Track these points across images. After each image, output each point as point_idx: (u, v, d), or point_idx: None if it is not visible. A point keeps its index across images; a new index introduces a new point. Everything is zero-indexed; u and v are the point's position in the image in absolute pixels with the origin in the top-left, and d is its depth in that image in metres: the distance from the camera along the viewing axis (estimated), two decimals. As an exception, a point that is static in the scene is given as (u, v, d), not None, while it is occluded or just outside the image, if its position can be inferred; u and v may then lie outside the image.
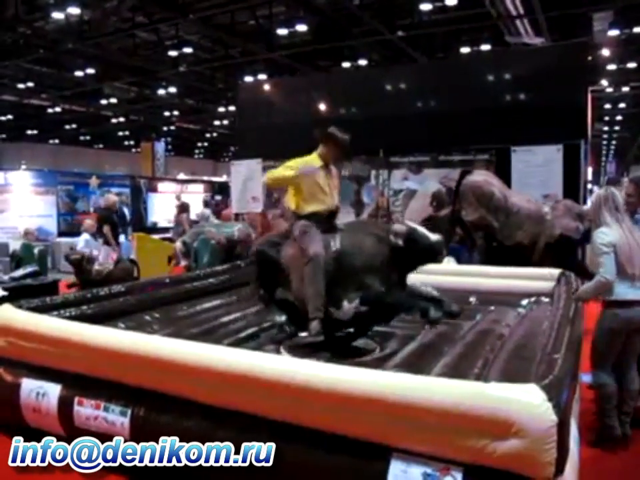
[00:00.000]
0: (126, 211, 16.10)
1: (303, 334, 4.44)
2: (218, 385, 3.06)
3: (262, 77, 14.95)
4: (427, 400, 2.51)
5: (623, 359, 3.85)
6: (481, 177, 7.12)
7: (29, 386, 3.74)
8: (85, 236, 8.68)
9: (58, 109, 22.22)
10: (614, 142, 34.63)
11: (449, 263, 6.89)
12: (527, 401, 2.34)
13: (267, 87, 11.88)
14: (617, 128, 28.76)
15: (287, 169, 4.42)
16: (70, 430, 3.57)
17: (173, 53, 14.68)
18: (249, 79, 15.43)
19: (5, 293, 6.25)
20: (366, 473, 2.65)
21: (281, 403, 2.88)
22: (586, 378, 4.42)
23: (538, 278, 5.58)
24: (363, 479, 2.66)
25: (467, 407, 2.42)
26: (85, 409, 3.46)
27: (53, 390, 3.63)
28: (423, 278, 5.57)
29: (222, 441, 2.98)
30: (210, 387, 3.10)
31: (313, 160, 4.45)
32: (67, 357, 3.63)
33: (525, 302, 5.37)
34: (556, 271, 5.37)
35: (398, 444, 2.61)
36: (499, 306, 5.30)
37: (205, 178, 26.02)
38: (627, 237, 3.70)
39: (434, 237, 4.13)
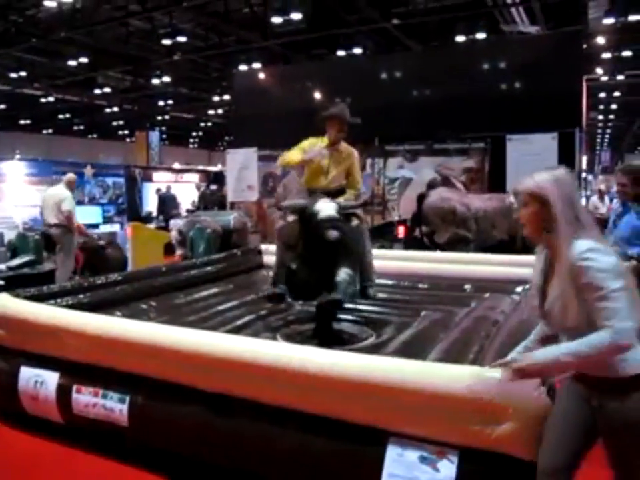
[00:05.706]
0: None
1: None
2: (216, 372, 3.08)
3: (256, 65, 14.85)
4: (423, 384, 2.54)
5: None
6: (435, 195, 7.25)
7: (27, 374, 3.76)
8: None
9: (51, 99, 22.03)
10: (608, 131, 34.57)
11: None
12: (522, 385, 2.37)
13: (262, 75, 11.83)
14: (611, 117, 28.70)
15: (296, 151, 4.58)
16: (69, 417, 3.60)
17: (166, 42, 14.55)
18: (243, 67, 15.34)
19: (2, 282, 6.23)
20: (364, 458, 2.68)
21: (278, 388, 2.90)
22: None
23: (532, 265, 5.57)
24: (361, 463, 2.68)
25: (463, 391, 2.45)
26: (84, 397, 3.48)
27: (51, 378, 3.65)
28: (418, 265, 5.62)
29: (219, 429, 3.02)
30: (208, 374, 3.11)
31: (321, 141, 4.59)
32: (65, 345, 3.64)
33: (519, 289, 5.38)
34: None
35: (395, 428, 2.63)
36: (494, 293, 5.32)
37: (201, 167, 25.84)
38: None
39: None
